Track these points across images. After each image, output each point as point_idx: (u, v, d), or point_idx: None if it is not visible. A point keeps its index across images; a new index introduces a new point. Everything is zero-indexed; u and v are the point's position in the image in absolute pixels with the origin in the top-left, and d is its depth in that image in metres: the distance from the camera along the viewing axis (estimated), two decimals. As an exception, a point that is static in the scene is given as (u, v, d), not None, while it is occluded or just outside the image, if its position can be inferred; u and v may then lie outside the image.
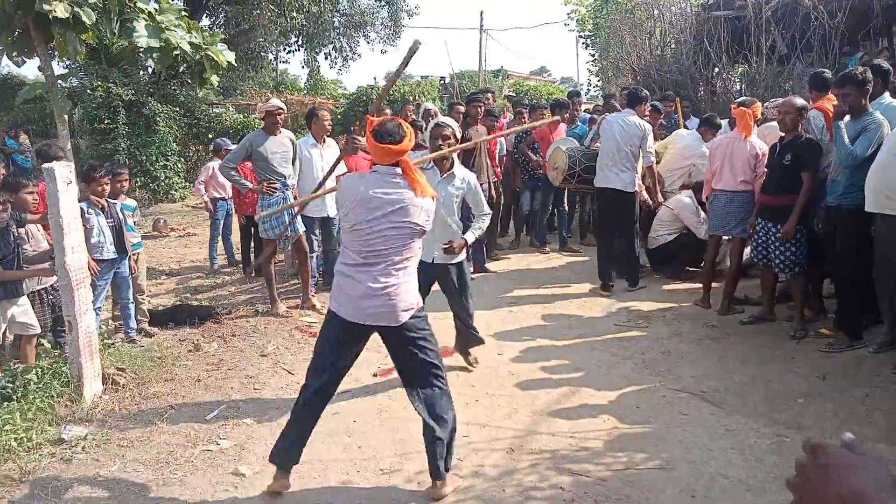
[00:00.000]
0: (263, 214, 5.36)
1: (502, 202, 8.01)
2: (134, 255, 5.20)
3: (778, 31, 9.33)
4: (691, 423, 3.65)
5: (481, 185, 6.85)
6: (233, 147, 6.58)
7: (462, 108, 6.72)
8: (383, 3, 22.71)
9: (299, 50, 21.71)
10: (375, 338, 3.03)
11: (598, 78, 18.88)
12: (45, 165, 3.94)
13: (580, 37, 21.63)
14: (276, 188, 5.60)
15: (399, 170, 2.87)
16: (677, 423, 3.66)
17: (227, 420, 3.80)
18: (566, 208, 8.44)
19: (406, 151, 2.87)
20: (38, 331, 4.34)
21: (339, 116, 14.41)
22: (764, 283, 5.28)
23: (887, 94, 4.55)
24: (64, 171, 3.91)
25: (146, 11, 4.50)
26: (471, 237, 3.85)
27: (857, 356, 4.41)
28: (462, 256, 3.98)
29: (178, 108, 13.27)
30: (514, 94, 19.05)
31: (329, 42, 22.02)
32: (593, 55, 19.48)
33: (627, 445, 3.43)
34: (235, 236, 7.76)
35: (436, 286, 4.19)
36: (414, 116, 7.89)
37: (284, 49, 21.74)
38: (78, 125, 12.55)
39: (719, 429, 3.57)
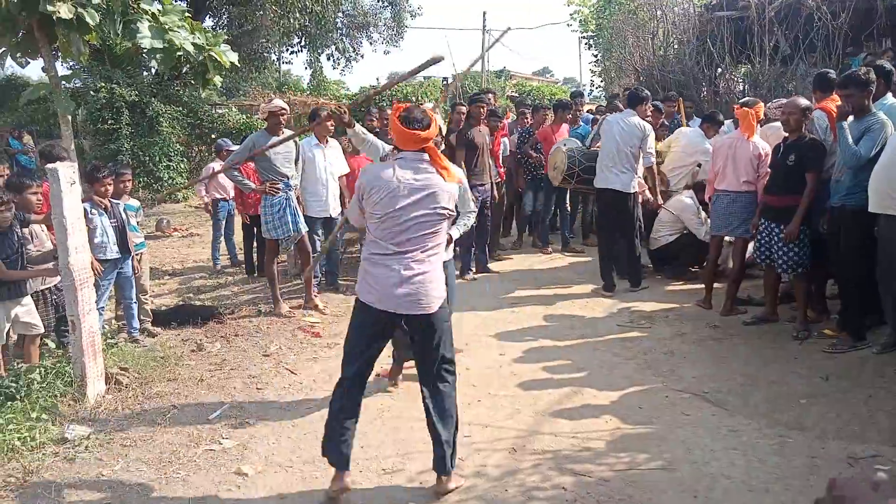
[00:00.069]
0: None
1: (505, 202, 8.02)
2: (137, 255, 5.21)
3: (781, 32, 9.32)
4: (693, 423, 3.65)
5: (484, 185, 6.95)
6: (234, 148, 6.59)
7: (464, 109, 6.70)
8: (386, 3, 22.71)
9: (302, 51, 21.75)
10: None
11: (600, 78, 18.91)
12: (49, 166, 3.95)
13: (583, 37, 21.67)
14: (278, 188, 5.61)
15: (426, 156, 2.90)
16: (679, 423, 3.66)
17: (229, 420, 3.81)
18: (568, 209, 8.43)
19: (432, 138, 2.91)
20: (42, 330, 4.35)
21: (341, 117, 14.39)
22: (767, 284, 5.27)
23: (890, 94, 4.54)
24: (67, 172, 3.93)
25: (150, 12, 4.50)
26: (455, 233, 3.85)
27: (860, 357, 4.40)
28: (449, 255, 3.97)
29: (181, 109, 13.31)
30: (516, 95, 19.08)
31: (332, 43, 22.04)
32: (596, 56, 19.51)
33: (630, 446, 3.42)
34: (238, 236, 7.77)
35: None
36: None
37: (287, 50, 21.77)
38: (81, 126, 12.61)
39: (721, 429, 3.56)
